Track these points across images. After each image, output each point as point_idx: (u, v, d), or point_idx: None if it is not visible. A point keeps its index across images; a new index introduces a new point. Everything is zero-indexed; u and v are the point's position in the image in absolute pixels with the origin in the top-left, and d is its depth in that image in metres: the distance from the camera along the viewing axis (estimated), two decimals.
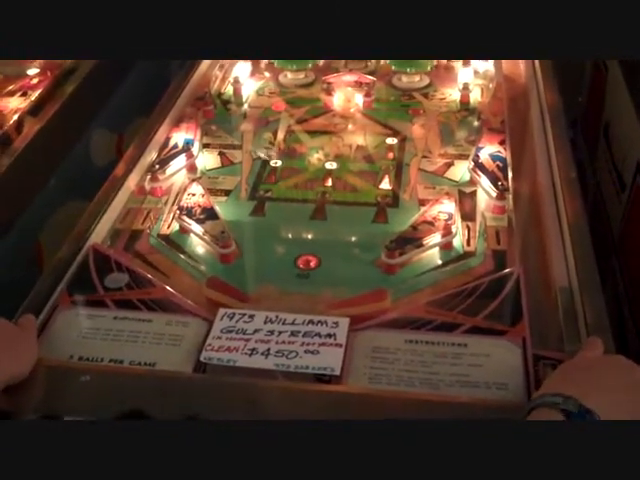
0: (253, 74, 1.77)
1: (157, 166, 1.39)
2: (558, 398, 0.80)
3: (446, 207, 1.26)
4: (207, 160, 1.46)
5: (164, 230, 1.27)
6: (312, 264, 1.19)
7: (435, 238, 1.20)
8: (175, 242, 1.25)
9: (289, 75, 1.73)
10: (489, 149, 1.40)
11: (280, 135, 1.53)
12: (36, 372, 0.95)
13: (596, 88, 1.94)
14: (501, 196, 1.27)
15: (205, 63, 1.77)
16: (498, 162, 1.36)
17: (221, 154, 1.48)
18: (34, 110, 1.54)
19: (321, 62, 1.78)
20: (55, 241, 1.26)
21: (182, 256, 1.22)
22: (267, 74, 1.77)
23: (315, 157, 1.46)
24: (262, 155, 1.46)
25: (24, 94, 1.61)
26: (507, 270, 1.11)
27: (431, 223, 1.22)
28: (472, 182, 1.35)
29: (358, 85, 1.68)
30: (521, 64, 1.70)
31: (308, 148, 1.48)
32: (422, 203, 1.30)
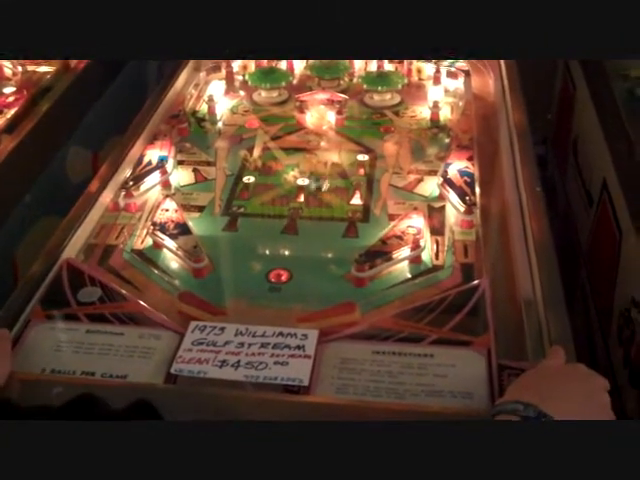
0: (227, 92, 1.79)
1: (131, 182, 1.41)
2: (518, 405, 0.82)
3: (415, 222, 1.28)
4: (181, 177, 1.48)
5: (138, 245, 1.29)
6: (283, 278, 1.21)
7: (404, 252, 1.23)
8: (149, 257, 1.26)
9: (263, 93, 1.75)
10: (458, 165, 1.43)
11: (256, 152, 1.55)
12: (9, 385, 0.96)
13: (565, 106, 1.98)
14: (469, 211, 1.30)
15: (180, 81, 1.79)
16: (466, 177, 1.39)
17: (195, 171, 1.50)
18: (10, 128, 1.55)
19: (295, 80, 1.81)
20: (31, 256, 1.27)
21: (155, 271, 1.24)
22: (241, 92, 1.79)
23: (290, 174, 1.48)
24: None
25: (0, 112, 1.63)
26: (473, 283, 1.13)
27: (400, 237, 1.25)
28: (441, 197, 1.38)
29: (330, 103, 1.70)
30: (490, 82, 1.74)
31: (283, 165, 1.51)
32: (392, 218, 1.33)
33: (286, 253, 1.30)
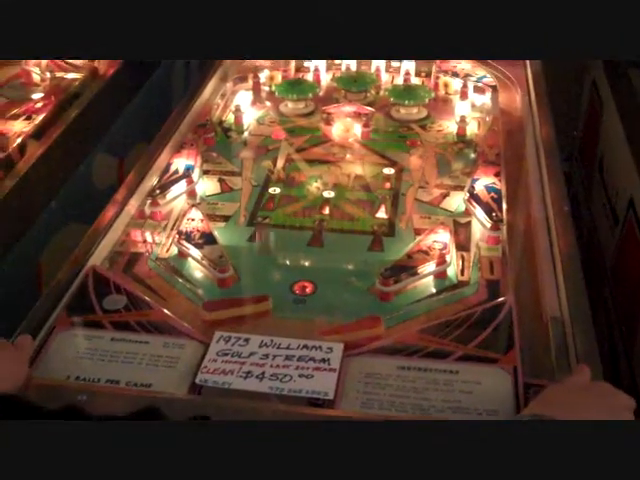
0: (254, 103, 1.80)
1: (157, 191, 1.41)
2: (534, 418, 0.82)
3: (441, 237, 1.28)
4: (207, 186, 1.48)
5: (163, 254, 1.29)
6: (308, 290, 1.21)
7: (430, 267, 1.22)
8: (173, 266, 1.27)
9: (289, 104, 1.75)
10: (484, 181, 1.42)
11: (280, 163, 1.55)
12: (31, 391, 0.96)
13: (592, 124, 1.97)
14: (495, 227, 1.29)
15: (207, 91, 1.80)
16: (493, 194, 1.38)
17: (221, 181, 1.50)
18: (37, 134, 1.56)
19: (321, 92, 1.81)
20: (56, 263, 1.27)
21: (180, 280, 1.23)
22: (268, 103, 1.80)
23: (313, 186, 1.48)
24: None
25: (28, 118, 1.64)
26: (499, 299, 1.13)
27: (426, 252, 1.24)
28: (467, 213, 1.37)
29: (357, 116, 1.70)
30: (517, 98, 1.74)
31: (307, 177, 1.51)
32: (418, 232, 1.32)
33: (311, 265, 1.29)
